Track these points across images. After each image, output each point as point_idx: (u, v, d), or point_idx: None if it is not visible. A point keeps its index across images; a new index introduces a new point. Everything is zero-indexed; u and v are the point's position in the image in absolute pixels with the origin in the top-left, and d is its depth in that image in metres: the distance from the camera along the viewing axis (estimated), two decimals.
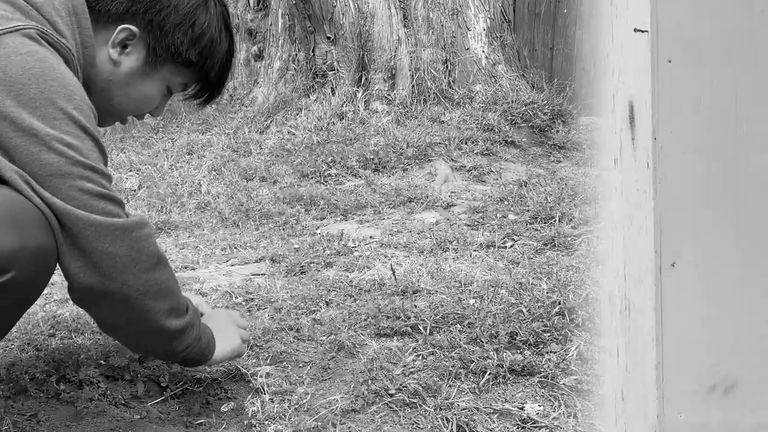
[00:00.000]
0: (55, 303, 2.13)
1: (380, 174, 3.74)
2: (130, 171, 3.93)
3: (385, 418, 1.51)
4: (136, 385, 1.64)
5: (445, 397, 1.54)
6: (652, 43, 0.71)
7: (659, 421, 0.75)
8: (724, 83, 0.71)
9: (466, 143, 4.04)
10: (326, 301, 2.15)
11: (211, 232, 2.95)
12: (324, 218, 3.16)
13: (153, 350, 1.44)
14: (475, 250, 2.61)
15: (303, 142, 4.12)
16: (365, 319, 1.97)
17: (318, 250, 2.63)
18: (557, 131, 4.40)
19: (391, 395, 1.58)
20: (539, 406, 1.53)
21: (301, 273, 2.45)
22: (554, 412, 1.50)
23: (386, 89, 4.56)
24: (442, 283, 2.24)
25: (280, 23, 5.05)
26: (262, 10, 5.32)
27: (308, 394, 1.62)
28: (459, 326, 1.89)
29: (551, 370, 1.64)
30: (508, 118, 4.37)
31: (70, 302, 2.15)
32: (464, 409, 1.50)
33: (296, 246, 2.70)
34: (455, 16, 4.74)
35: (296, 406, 1.56)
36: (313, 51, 4.71)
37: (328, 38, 4.60)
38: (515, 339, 1.79)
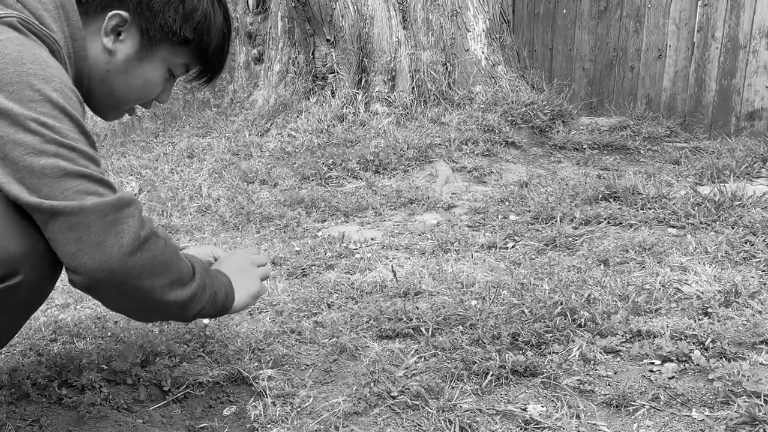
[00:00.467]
0: (56, 308, 2.13)
1: (381, 176, 3.74)
2: (131, 175, 3.93)
3: (388, 421, 1.50)
4: (138, 389, 1.63)
5: (447, 398, 1.54)
6: None
7: None
8: None
9: (466, 144, 4.04)
10: (328, 304, 2.15)
11: (212, 236, 2.95)
12: (325, 220, 3.16)
13: (165, 319, 1.41)
14: (476, 251, 2.61)
15: (303, 145, 4.12)
16: (367, 322, 1.97)
17: (319, 253, 2.63)
18: (557, 131, 4.40)
19: (394, 397, 1.58)
20: (542, 407, 1.52)
21: (303, 275, 2.45)
22: (557, 412, 1.49)
23: (386, 91, 4.56)
24: (444, 285, 2.24)
25: (279, 26, 5.05)
26: (261, 13, 5.32)
27: (310, 397, 1.61)
28: (461, 327, 1.88)
29: (553, 370, 1.64)
30: (509, 118, 4.37)
31: (72, 307, 2.15)
32: (467, 410, 1.50)
33: (297, 249, 2.69)
34: (454, 17, 4.74)
35: (298, 410, 1.56)
36: (312, 53, 4.71)
37: (328, 41, 4.60)
38: (517, 340, 1.78)
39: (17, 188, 1.09)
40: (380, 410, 1.54)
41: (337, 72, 4.59)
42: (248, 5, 5.38)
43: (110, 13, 1.29)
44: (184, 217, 3.24)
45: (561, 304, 1.92)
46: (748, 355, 1.65)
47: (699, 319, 1.84)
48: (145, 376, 1.66)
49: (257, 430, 1.49)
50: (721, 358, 1.63)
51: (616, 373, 1.65)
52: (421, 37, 4.69)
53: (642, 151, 4.17)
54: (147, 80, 1.37)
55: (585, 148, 4.15)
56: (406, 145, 3.94)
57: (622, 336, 1.79)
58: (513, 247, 2.65)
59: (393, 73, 4.59)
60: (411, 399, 1.56)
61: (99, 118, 5.79)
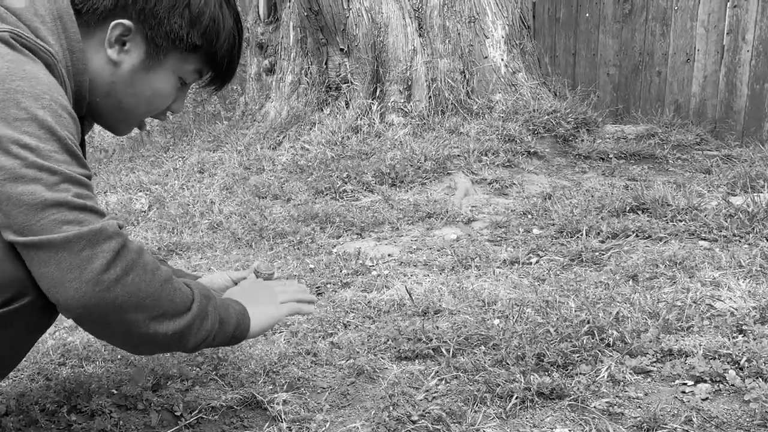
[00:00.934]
0: (64, 330, 2.15)
1: (397, 189, 3.75)
2: (140, 191, 3.96)
3: None
4: (149, 414, 1.64)
5: (470, 423, 1.54)
6: None
7: None
8: None
9: (486, 155, 4.04)
10: (344, 324, 2.15)
11: (224, 253, 2.97)
12: (340, 236, 3.17)
13: (164, 351, 1.39)
14: (498, 267, 2.60)
15: (317, 158, 4.14)
16: (385, 342, 1.97)
17: (334, 270, 2.63)
18: (582, 140, 4.39)
19: (414, 422, 1.57)
20: (569, 431, 1.51)
21: (318, 294, 2.45)
22: None
23: (402, 101, 4.58)
24: (465, 303, 2.24)
25: (291, 36, 5.09)
26: (272, 23, 5.37)
27: (327, 421, 1.61)
28: (483, 348, 1.88)
29: (581, 392, 1.63)
30: (530, 127, 4.37)
31: (80, 329, 2.17)
32: None
33: (312, 266, 2.70)
34: (472, 23, 4.75)
35: None
36: (326, 63, 4.74)
37: (341, 50, 4.63)
38: (543, 360, 1.77)
39: None
40: None
41: (351, 82, 4.62)
42: (259, 15, 5.43)
43: (113, 23, 1.28)
44: (195, 234, 3.26)
45: (588, 322, 1.91)
46: None
47: (733, 337, 1.82)
48: (157, 400, 1.67)
49: None
50: (757, 378, 1.62)
51: (646, 394, 1.64)
52: (438, 44, 4.70)
53: (671, 160, 4.15)
54: (156, 91, 1.36)
55: (611, 158, 4.13)
56: (424, 157, 3.95)
57: (653, 355, 1.78)
58: (537, 262, 2.65)
59: (409, 83, 4.60)
60: (432, 423, 1.55)
61: (107, 133, 5.81)
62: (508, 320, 2.03)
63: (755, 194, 3.04)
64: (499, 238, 2.99)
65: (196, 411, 1.66)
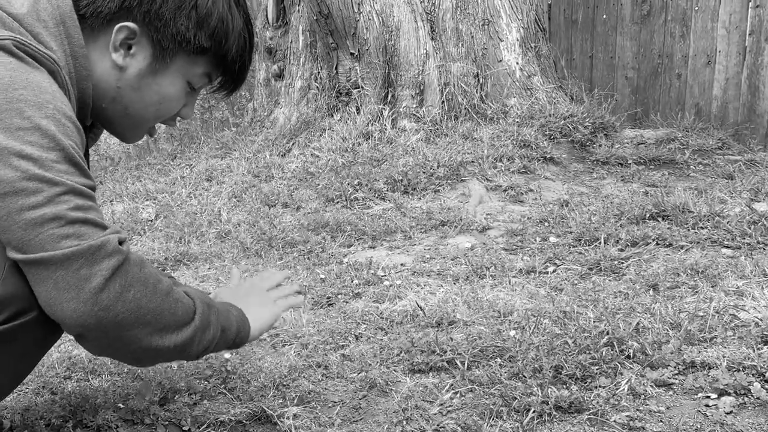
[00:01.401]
0: (70, 343, 2.16)
1: (410, 196, 3.75)
2: (147, 200, 3.98)
3: None
4: (156, 429, 1.65)
5: None
6: None
7: None
8: None
9: (501, 161, 4.03)
10: (356, 335, 2.15)
11: (233, 263, 2.98)
12: (351, 245, 3.17)
13: (166, 362, 1.41)
14: (514, 277, 2.60)
15: (327, 165, 4.15)
16: (398, 354, 1.97)
17: (346, 280, 2.64)
18: (600, 145, 4.37)
19: None
20: None
21: (329, 305, 2.46)
22: None
23: (414, 106, 4.58)
24: (480, 314, 2.23)
25: (300, 40, 5.11)
26: (281, 27, 5.39)
27: None
28: (499, 360, 1.87)
29: (600, 406, 1.62)
30: (546, 132, 4.36)
31: None
32: None
33: (322, 276, 2.71)
34: (486, 26, 4.76)
35: None
36: (336, 68, 4.75)
37: (352, 54, 4.64)
38: (560, 373, 1.77)
39: None
40: None
41: (362, 87, 4.63)
42: (268, 19, 5.46)
43: (117, 26, 1.27)
44: (202, 243, 3.28)
45: (607, 333, 1.90)
46: None
47: (758, 349, 1.81)
48: (164, 415, 1.68)
49: None
50: None
51: (668, 408, 1.63)
52: (451, 48, 4.71)
53: (692, 166, 4.13)
54: (164, 96, 1.35)
55: (630, 163, 4.12)
56: (437, 163, 3.95)
57: (675, 367, 1.77)
58: (554, 271, 2.64)
59: (421, 87, 4.61)
60: None
61: (113, 141, 5.84)
62: (524, 331, 2.02)
63: None
64: (514, 247, 2.98)
65: (205, 426, 1.66)
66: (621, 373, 1.75)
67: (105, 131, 1.48)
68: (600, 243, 2.82)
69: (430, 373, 1.88)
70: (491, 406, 1.65)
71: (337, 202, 3.72)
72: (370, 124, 4.47)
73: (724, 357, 1.77)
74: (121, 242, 1.17)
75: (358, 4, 4.55)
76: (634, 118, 5.34)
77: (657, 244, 2.78)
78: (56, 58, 1.20)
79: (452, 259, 2.86)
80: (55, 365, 1.94)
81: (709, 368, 1.75)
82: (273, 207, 3.74)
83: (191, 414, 1.68)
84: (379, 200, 3.74)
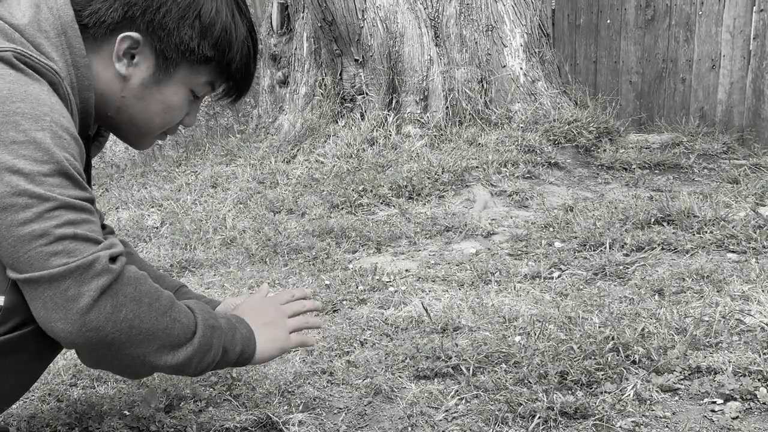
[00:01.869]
0: None
1: (415, 202, 3.75)
2: (152, 207, 4.00)
3: None
4: None
5: None
6: None
7: None
8: None
9: (505, 166, 4.03)
10: (361, 342, 2.15)
11: (238, 270, 2.98)
12: (356, 251, 3.18)
13: (167, 375, 1.39)
14: (519, 282, 2.60)
15: (332, 171, 4.15)
16: (403, 360, 1.97)
17: (350, 286, 2.64)
18: (604, 150, 4.37)
19: None
20: None
21: (334, 311, 2.46)
22: None
23: (419, 112, 4.59)
24: (485, 319, 2.23)
25: (305, 47, 5.13)
26: (286, 33, 5.41)
27: None
28: (504, 366, 1.87)
29: (606, 412, 1.61)
30: (551, 138, 4.36)
31: None
32: None
33: (327, 282, 2.71)
34: (490, 32, 4.76)
35: None
36: (340, 75, 4.76)
37: (356, 61, 4.65)
38: (566, 379, 1.76)
39: None
40: None
41: (366, 93, 4.64)
42: (272, 26, 5.47)
43: (120, 36, 1.26)
44: (208, 250, 3.28)
45: (613, 338, 1.90)
46: None
47: (764, 353, 1.80)
48: (170, 422, 1.68)
49: None
50: None
51: (674, 413, 1.62)
52: (455, 53, 4.72)
53: (697, 170, 4.12)
54: (167, 105, 1.35)
55: (634, 168, 4.11)
56: (441, 169, 3.95)
57: (680, 373, 1.77)
58: (559, 276, 2.64)
59: (425, 93, 4.62)
60: None
61: (118, 148, 5.87)
62: (529, 337, 2.02)
63: None
64: (519, 252, 2.98)
65: None
66: (626, 379, 1.75)
67: (112, 136, 1.48)
68: (605, 248, 2.82)
69: (435, 379, 1.88)
70: (496, 412, 1.64)
71: (342, 208, 3.72)
72: (374, 130, 4.48)
73: (729, 362, 1.76)
74: (113, 258, 1.15)
75: (362, 10, 4.57)
76: (639, 122, 5.34)
77: (662, 248, 2.78)
78: (57, 69, 1.20)
79: (457, 265, 2.86)
80: (60, 372, 1.95)
81: (715, 373, 1.74)
82: (278, 213, 3.74)
83: (197, 421, 1.68)
84: (383, 206, 3.74)
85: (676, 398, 1.69)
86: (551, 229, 3.21)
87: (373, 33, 4.58)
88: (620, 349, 1.86)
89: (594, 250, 2.84)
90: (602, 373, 1.76)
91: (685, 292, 2.31)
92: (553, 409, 1.63)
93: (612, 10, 5.54)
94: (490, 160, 4.05)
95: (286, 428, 1.66)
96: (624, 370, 1.78)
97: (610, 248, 2.81)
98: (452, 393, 1.77)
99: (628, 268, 2.62)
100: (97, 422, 1.65)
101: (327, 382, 1.90)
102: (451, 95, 4.64)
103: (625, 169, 4.14)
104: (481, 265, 2.77)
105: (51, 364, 1.96)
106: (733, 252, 2.69)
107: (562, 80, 5.05)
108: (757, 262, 2.51)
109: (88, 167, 1.37)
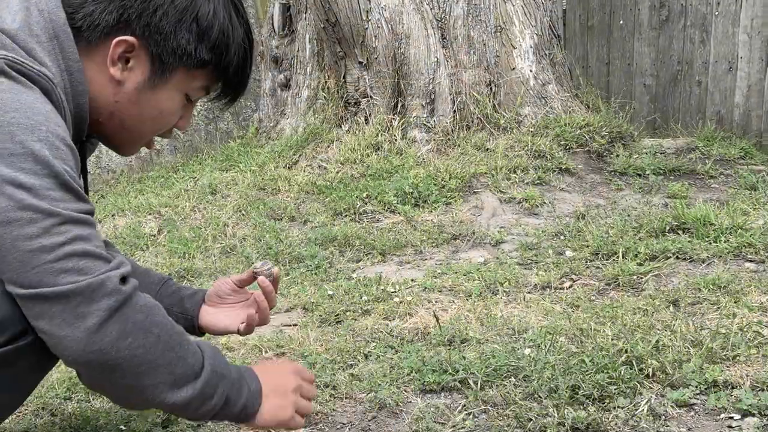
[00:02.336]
0: None
1: (421, 209, 3.76)
2: (149, 214, 4.00)
3: None
4: None
5: None
6: None
7: None
8: None
9: (515, 172, 4.04)
10: (365, 354, 2.15)
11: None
12: (360, 260, 3.18)
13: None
14: (528, 293, 2.60)
15: (335, 177, 4.16)
16: (408, 374, 1.97)
17: (354, 297, 2.64)
18: (617, 156, 4.37)
19: None
20: None
21: (337, 322, 2.46)
22: None
23: (425, 116, 4.59)
24: (493, 331, 2.23)
25: (307, 49, 5.14)
26: (288, 35, 5.42)
27: None
28: (513, 380, 1.87)
29: (619, 427, 1.61)
30: (562, 143, 4.36)
31: None
32: None
33: (330, 292, 2.71)
34: (498, 33, 4.77)
35: None
36: (344, 77, 4.77)
37: (360, 63, 4.66)
38: (577, 393, 1.76)
39: None
40: None
41: (371, 97, 4.65)
42: (274, 28, 5.49)
43: (115, 40, 1.26)
44: (207, 259, 3.29)
45: (626, 351, 1.90)
46: None
47: None
48: None
49: None
50: None
51: (690, 429, 1.62)
52: (462, 56, 4.72)
53: (713, 176, 4.12)
54: (161, 110, 1.36)
55: (648, 174, 4.11)
56: (448, 175, 3.96)
57: (696, 387, 1.76)
58: (570, 287, 2.64)
59: (432, 96, 4.62)
60: None
61: (115, 153, 5.89)
62: (539, 350, 2.02)
63: None
64: (529, 261, 2.98)
65: None
66: (640, 393, 1.75)
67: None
68: (618, 257, 2.82)
69: (442, 394, 1.88)
70: (505, 428, 1.64)
71: (346, 216, 3.73)
72: (379, 135, 4.48)
73: (747, 376, 1.76)
74: (124, 278, 1.16)
75: (367, 11, 4.58)
76: (653, 127, 5.34)
77: (677, 258, 2.78)
78: (50, 75, 1.20)
79: (464, 275, 2.86)
80: (55, 386, 1.95)
81: (732, 388, 1.74)
82: (279, 221, 3.75)
83: None
84: (388, 213, 3.74)
85: (692, 413, 1.69)
86: (562, 238, 3.21)
87: (378, 34, 4.59)
88: (634, 362, 1.86)
89: (606, 260, 2.84)
90: (615, 387, 1.76)
91: (701, 303, 2.31)
92: (564, 425, 1.63)
93: (625, 11, 5.54)
94: (498, 165, 4.06)
95: None
96: (638, 384, 1.78)
97: (623, 257, 2.81)
98: (459, 408, 1.77)
99: (641, 278, 2.61)
100: None
101: (330, 395, 1.90)
102: (458, 99, 4.64)
103: (639, 175, 4.14)
104: (489, 275, 2.77)
105: (45, 378, 1.97)
106: (750, 261, 2.69)
107: (573, 83, 5.06)
108: None
109: (83, 172, 1.37)
